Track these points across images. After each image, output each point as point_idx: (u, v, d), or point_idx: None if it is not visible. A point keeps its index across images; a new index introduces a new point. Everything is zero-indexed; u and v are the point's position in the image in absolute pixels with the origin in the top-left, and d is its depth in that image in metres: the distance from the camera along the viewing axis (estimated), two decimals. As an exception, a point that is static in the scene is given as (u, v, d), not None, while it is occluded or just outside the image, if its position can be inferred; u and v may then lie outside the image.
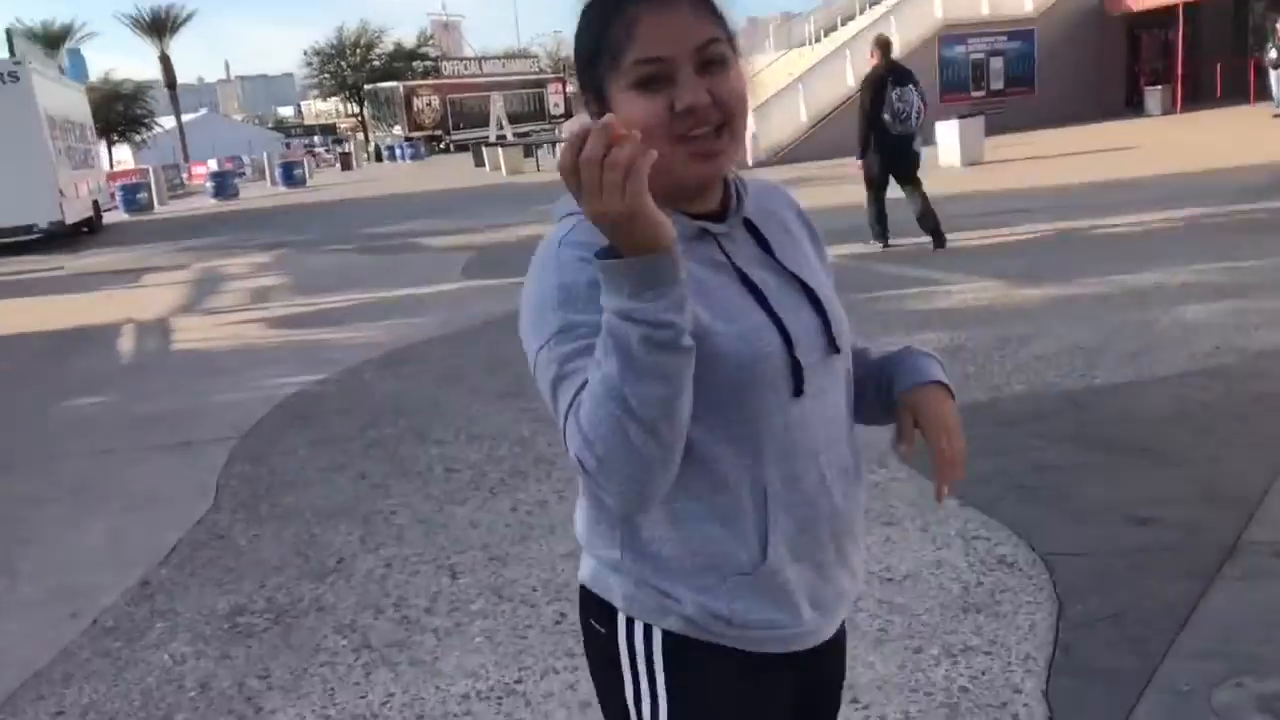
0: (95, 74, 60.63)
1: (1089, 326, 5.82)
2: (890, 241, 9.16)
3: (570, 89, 65.43)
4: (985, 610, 2.97)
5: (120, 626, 3.41)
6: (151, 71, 62.65)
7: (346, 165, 47.09)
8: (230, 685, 2.95)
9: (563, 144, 0.99)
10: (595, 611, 1.27)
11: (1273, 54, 16.48)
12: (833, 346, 1.22)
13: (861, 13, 28.35)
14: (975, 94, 24.06)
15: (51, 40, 52.44)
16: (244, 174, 46.16)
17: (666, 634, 1.21)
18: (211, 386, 6.71)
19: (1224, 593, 2.93)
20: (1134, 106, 23.91)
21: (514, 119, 50.17)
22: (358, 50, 68.71)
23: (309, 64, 70.33)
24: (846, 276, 7.31)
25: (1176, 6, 22.33)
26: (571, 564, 3.50)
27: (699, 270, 1.13)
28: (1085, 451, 4.10)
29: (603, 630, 1.26)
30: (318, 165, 49.92)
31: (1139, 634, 2.79)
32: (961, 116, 16.63)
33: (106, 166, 38.04)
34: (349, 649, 3.09)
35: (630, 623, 1.23)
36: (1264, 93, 18.76)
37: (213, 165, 41.51)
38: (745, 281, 1.18)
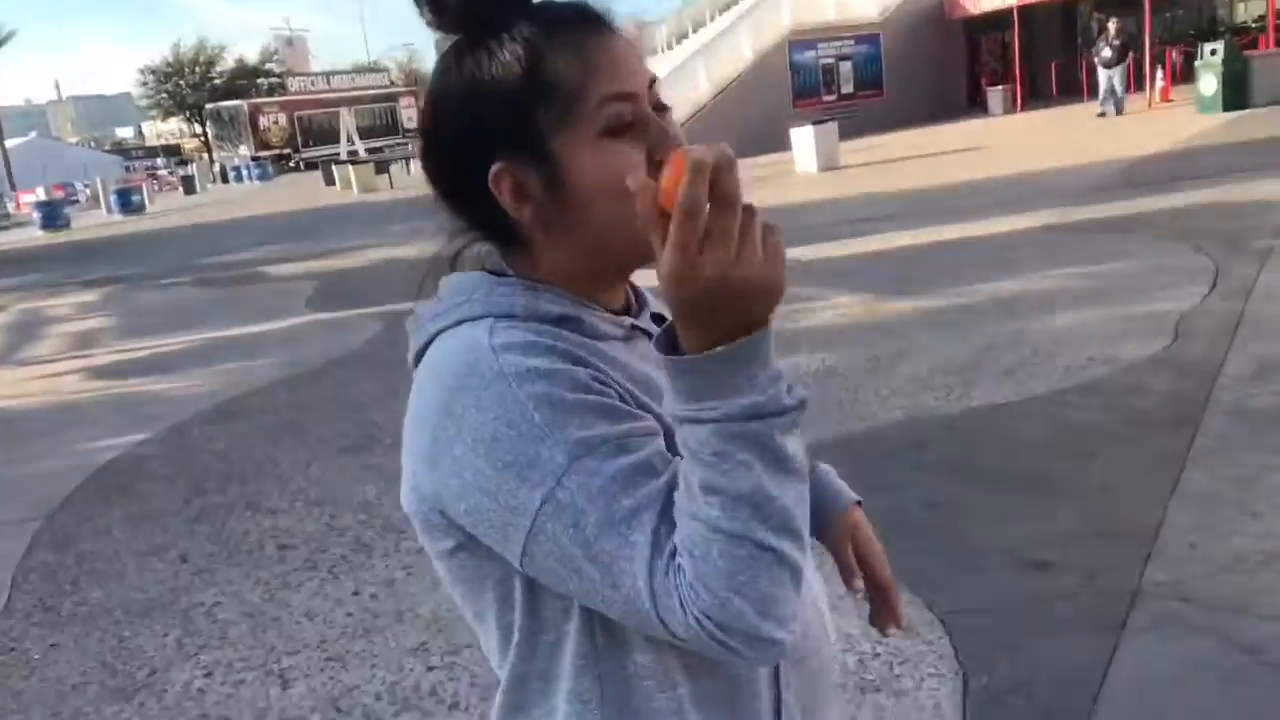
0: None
1: (960, 341, 5.67)
2: None
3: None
4: (885, 687, 2.68)
5: None
6: (-32, 94, 58.67)
7: (190, 189, 44.85)
8: None
9: (684, 172, 0.68)
10: None
11: (1106, 52, 17.06)
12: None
13: (712, 20, 28.50)
14: (827, 98, 24.38)
15: None
16: (77, 201, 43.50)
17: None
18: (16, 455, 5.97)
19: (1133, 650, 2.70)
20: (978, 106, 24.64)
21: (365, 134, 48.77)
22: (197, 68, 66.05)
23: (145, 83, 67.21)
24: None
25: (1011, 10, 23.11)
26: (421, 660, 3.08)
27: (631, 368, 0.87)
28: (971, 484, 3.87)
29: None
30: (159, 189, 47.45)
31: (1051, 705, 2.54)
32: (815, 122, 16.70)
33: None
34: (151, 800, 2.59)
35: None
36: (1096, 90, 19.56)
37: (40, 193, 38.97)
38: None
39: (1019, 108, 23.02)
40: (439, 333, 0.87)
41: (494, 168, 0.84)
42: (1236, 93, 15.89)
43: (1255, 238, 7.12)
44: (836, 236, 9.61)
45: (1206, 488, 3.57)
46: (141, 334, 9.56)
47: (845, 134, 21.79)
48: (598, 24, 0.85)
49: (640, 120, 0.83)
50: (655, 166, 0.79)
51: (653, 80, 0.87)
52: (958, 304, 6.53)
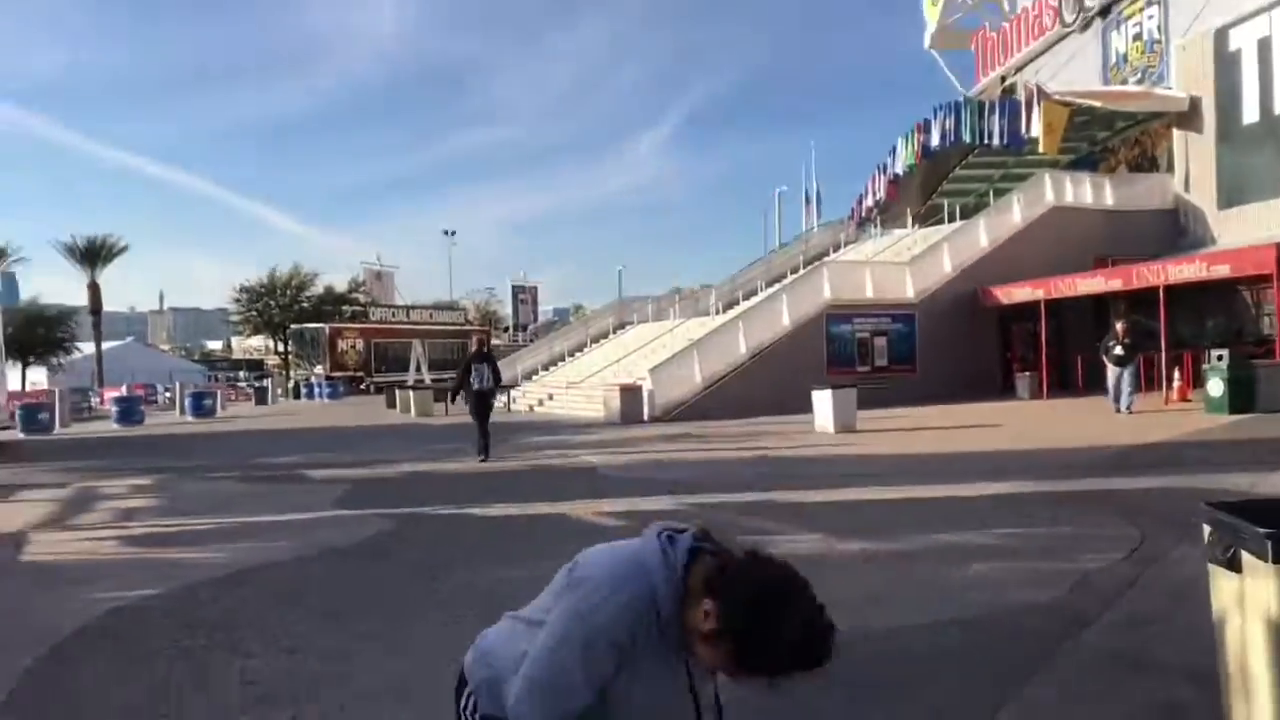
0: (26, 294, 61.25)
1: (882, 577, 6.29)
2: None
3: (495, 341, 67.54)
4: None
5: None
6: (82, 297, 63.20)
7: (261, 399, 47.24)
8: None
9: None
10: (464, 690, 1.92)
11: (1118, 350, 18.02)
12: None
13: (759, 292, 30.44)
14: (860, 368, 25.58)
15: (-18, 262, 53.16)
16: (155, 401, 45.94)
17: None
18: (44, 596, 6.74)
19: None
20: (1009, 390, 25.60)
21: (437, 365, 51.43)
22: (288, 291, 70.43)
23: (238, 300, 71.74)
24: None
25: (1038, 303, 24.48)
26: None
27: (660, 664, 1.81)
28: (828, 688, 4.44)
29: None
30: (234, 398, 49.95)
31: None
32: (835, 388, 17.71)
33: (13, 386, 37.69)
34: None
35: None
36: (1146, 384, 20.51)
37: (122, 390, 41.35)
38: (691, 687, 1.88)
39: (1045, 394, 23.90)
40: (648, 552, 1.85)
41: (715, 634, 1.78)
42: (1243, 397, 16.63)
43: (1194, 517, 7.69)
44: (823, 486, 10.34)
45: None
46: (180, 514, 10.46)
47: (876, 403, 22.82)
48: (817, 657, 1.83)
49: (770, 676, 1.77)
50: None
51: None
52: (893, 549, 7.16)
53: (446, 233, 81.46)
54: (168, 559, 7.97)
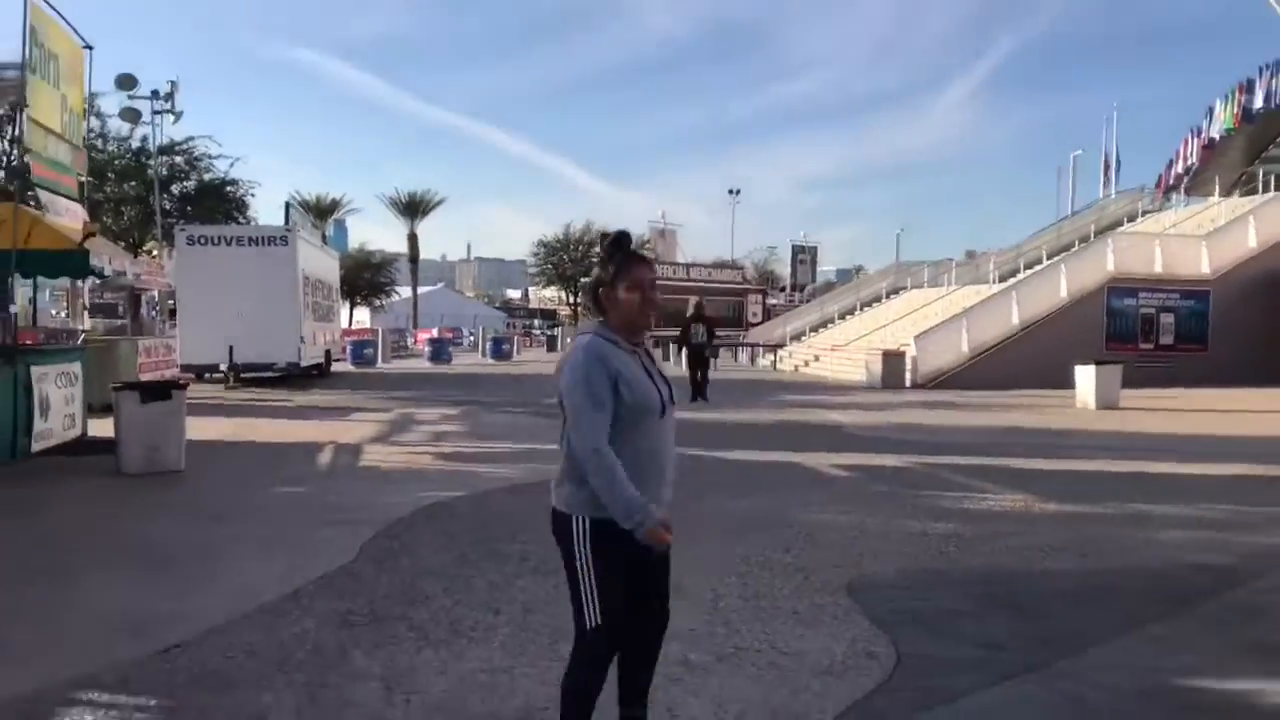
0: (354, 242, 68.86)
1: (1068, 534, 6.95)
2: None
3: (770, 300, 68.74)
4: None
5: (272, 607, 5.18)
6: (401, 245, 70.18)
7: (551, 346, 51.05)
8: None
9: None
10: (561, 518, 3.05)
11: None
12: (671, 405, 3.04)
13: (1043, 261, 29.68)
14: (1144, 345, 24.67)
15: (322, 211, 60.28)
16: (461, 344, 50.77)
17: (592, 520, 2.96)
18: (380, 491, 8.66)
19: None
20: (1313, 377, 23.80)
21: (713, 322, 53.21)
22: (581, 246, 74.63)
23: (536, 254, 76.91)
24: (923, 480, 8.73)
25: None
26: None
27: (631, 364, 2.99)
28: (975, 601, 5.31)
29: (563, 524, 3.06)
30: (529, 344, 54.25)
31: None
32: (1100, 364, 17.50)
33: (344, 324, 43.04)
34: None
35: (573, 518, 3.01)
36: None
37: (434, 333, 46.05)
38: (646, 371, 3.01)
39: (1355, 384, 22.10)
40: (580, 334, 3.03)
41: (599, 293, 3.01)
42: None
43: None
44: (1053, 456, 10.82)
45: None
46: (479, 439, 12.46)
47: (1158, 382, 22.11)
48: (641, 258, 3.02)
49: (643, 288, 2.98)
50: (643, 300, 2.97)
51: (654, 275, 3.05)
52: (1089, 512, 7.73)
53: (731, 191, 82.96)
54: (469, 470, 9.80)
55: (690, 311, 19.64)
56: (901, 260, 43.09)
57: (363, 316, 68.69)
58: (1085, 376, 17.46)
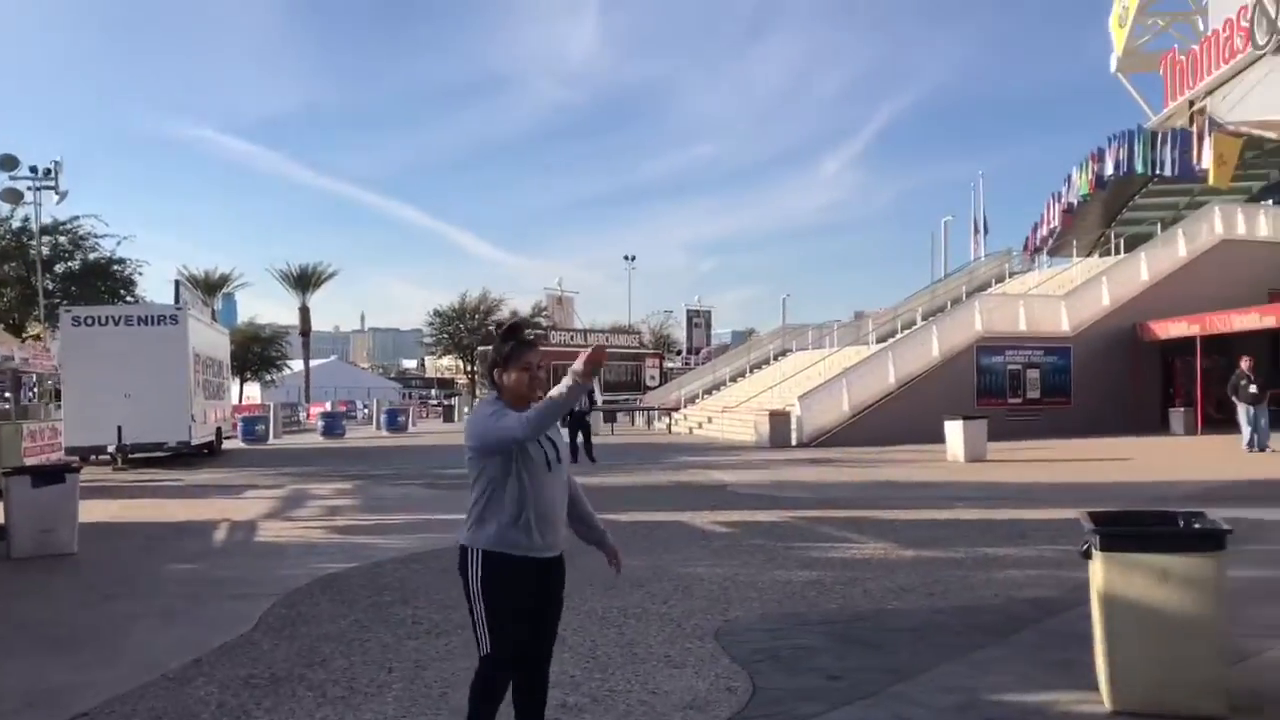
0: (241, 316, 67.80)
1: (922, 572, 7.64)
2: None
3: (667, 364, 69.83)
4: None
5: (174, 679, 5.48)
6: (293, 318, 69.34)
7: (448, 417, 50.94)
8: (237, 700, 4.97)
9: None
10: (461, 552, 3.56)
11: (1251, 388, 18.21)
12: (559, 463, 3.59)
13: (918, 322, 31.22)
14: (1012, 400, 26.13)
15: (211, 287, 59.34)
16: (355, 417, 50.29)
17: (484, 552, 3.48)
18: (272, 568, 8.90)
19: None
20: (1165, 426, 25.53)
21: (611, 387, 53.90)
22: (477, 315, 74.86)
23: (431, 323, 76.81)
24: (794, 533, 9.37)
25: (1194, 338, 24.43)
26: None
27: None
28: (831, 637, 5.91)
29: (462, 557, 3.56)
30: (424, 415, 53.97)
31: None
32: (967, 419, 18.63)
33: (235, 400, 42.32)
34: (311, 691, 5.08)
35: (469, 550, 3.52)
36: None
37: (326, 406, 45.58)
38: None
39: (1200, 430, 23.83)
40: (482, 400, 3.60)
41: (494, 372, 3.57)
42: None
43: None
44: (918, 507, 11.61)
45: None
46: (373, 511, 12.71)
47: (1027, 435, 23.46)
48: (529, 344, 3.58)
49: (530, 369, 3.53)
50: (531, 379, 3.54)
51: (540, 357, 3.61)
52: (942, 556, 8.47)
53: (627, 258, 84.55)
54: (363, 543, 10.09)
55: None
56: (788, 323, 44.63)
57: (253, 391, 67.43)
58: (954, 431, 18.55)
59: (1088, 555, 4.68)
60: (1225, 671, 4.49)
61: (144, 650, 6.08)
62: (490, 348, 3.66)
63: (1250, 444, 18.39)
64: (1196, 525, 4.72)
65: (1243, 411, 18.44)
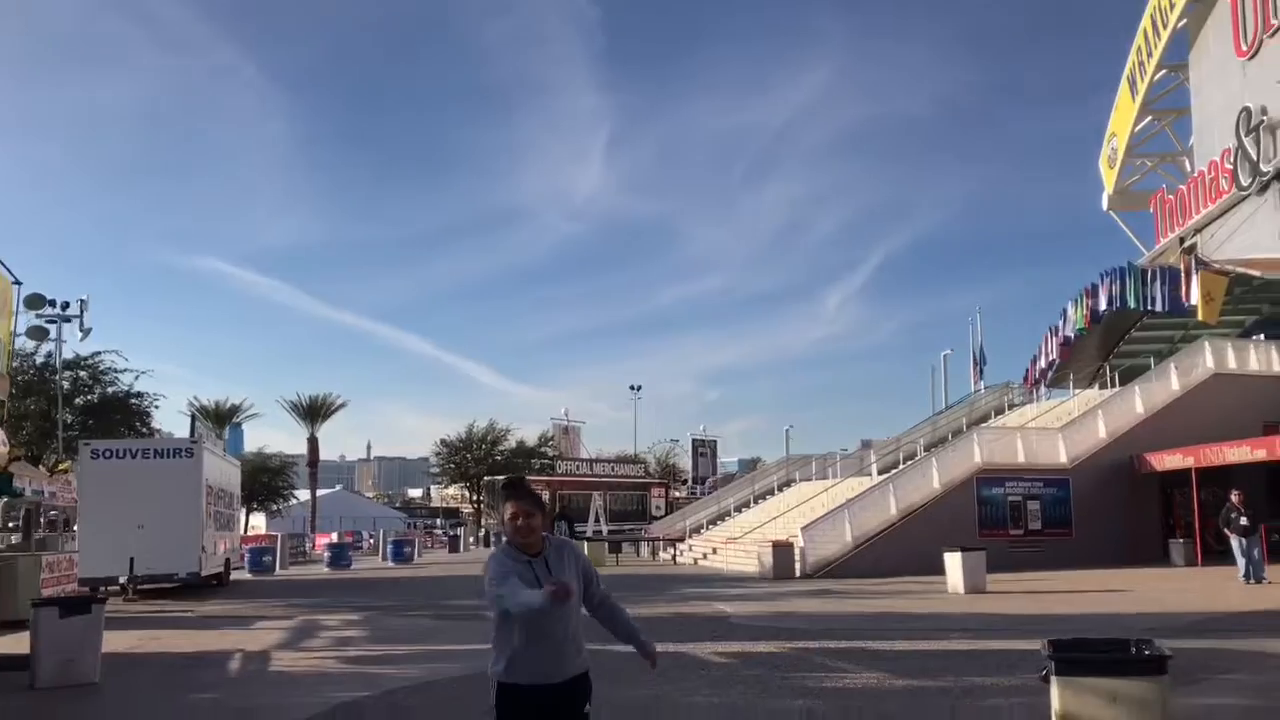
0: (250, 446, 68.30)
1: (901, 704, 8.00)
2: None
3: (673, 493, 69.97)
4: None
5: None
6: (299, 446, 69.79)
7: (454, 547, 50.91)
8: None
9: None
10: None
11: (1243, 521, 18.58)
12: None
13: (917, 455, 31.69)
14: (1014, 531, 26.37)
15: (221, 418, 60.07)
16: (361, 548, 50.33)
17: (500, 682, 4.01)
18: (291, 694, 9.26)
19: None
20: (1166, 557, 25.69)
21: (616, 516, 53.98)
22: (484, 445, 75.37)
23: (439, 453, 77.24)
24: (791, 663, 9.66)
25: (1190, 470, 24.84)
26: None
27: (522, 570, 4.06)
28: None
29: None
30: (430, 545, 53.93)
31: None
32: (965, 550, 18.94)
33: (243, 531, 42.56)
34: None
35: (491, 679, 4.04)
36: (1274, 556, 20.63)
37: (333, 537, 45.73)
38: (535, 574, 4.04)
39: (1200, 562, 24.00)
40: (496, 549, 4.23)
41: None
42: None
43: (1190, 673, 8.98)
44: (913, 638, 11.94)
45: None
46: (383, 642, 13.04)
47: (1030, 566, 23.67)
48: (509, 496, 4.16)
49: (511, 519, 4.11)
50: (513, 526, 4.11)
51: (520, 508, 4.13)
52: (931, 685, 8.82)
53: (633, 388, 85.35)
54: (374, 672, 10.43)
55: (554, 511, 21.93)
56: (792, 453, 45.13)
57: (259, 521, 67.45)
58: (954, 563, 18.84)
59: (1046, 680, 5.14)
60: (1174, 789, 4.89)
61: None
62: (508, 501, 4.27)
63: (1246, 575, 18.63)
64: (1146, 652, 5.17)
65: (1236, 543, 18.75)
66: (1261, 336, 34.17)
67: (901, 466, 30.71)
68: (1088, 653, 5.32)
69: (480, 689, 9.07)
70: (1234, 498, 19.03)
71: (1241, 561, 18.68)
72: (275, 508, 67.81)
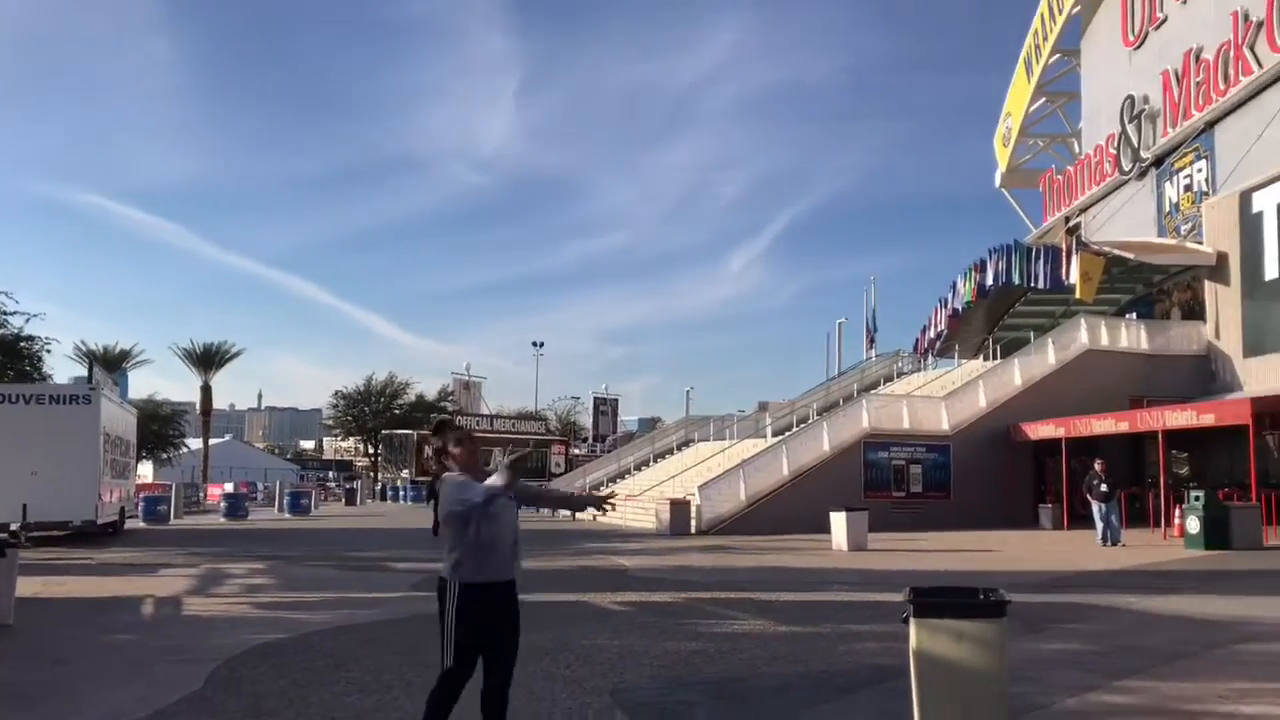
0: (140, 392, 66.49)
1: (787, 648, 8.82)
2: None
3: (574, 451, 70.74)
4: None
5: (147, 722, 6.30)
6: (189, 394, 68.32)
7: (350, 501, 50.85)
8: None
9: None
10: (440, 581, 4.85)
11: (1103, 487, 20.15)
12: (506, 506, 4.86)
13: (810, 419, 32.95)
14: (896, 494, 27.84)
15: (110, 363, 58.35)
16: (256, 498, 49.86)
17: (461, 584, 4.74)
18: (208, 638, 9.65)
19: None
20: (1036, 520, 27.47)
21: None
22: (382, 398, 74.82)
23: (335, 405, 76.40)
24: (686, 611, 10.41)
25: (1060, 440, 26.56)
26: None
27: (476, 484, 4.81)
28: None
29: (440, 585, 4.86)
30: (325, 498, 53.70)
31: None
32: (850, 510, 20.09)
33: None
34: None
35: (448, 581, 4.79)
36: (1158, 518, 22.39)
37: (228, 488, 45.25)
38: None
39: (1066, 526, 25.76)
40: (448, 477, 4.95)
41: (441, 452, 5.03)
42: (1218, 534, 18.55)
43: (1038, 623, 10.04)
44: (796, 590, 12.86)
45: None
46: (291, 590, 13.42)
47: (911, 526, 25.06)
48: (461, 434, 5.08)
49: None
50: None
51: (468, 445, 5.05)
52: (814, 631, 9.69)
53: (535, 344, 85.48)
54: (289, 617, 10.87)
55: (435, 469, 23.97)
56: (692, 414, 46.26)
57: (146, 470, 65.97)
58: (838, 522, 19.96)
59: (906, 621, 5.92)
60: (1006, 717, 5.75)
61: (106, 704, 6.87)
62: (437, 436, 5.20)
63: (1104, 538, 20.20)
64: (990, 598, 6.00)
65: (1096, 509, 20.29)
66: (1134, 315, 36.29)
67: (795, 429, 31.95)
68: (940, 599, 6.12)
69: (396, 632, 9.64)
70: (1097, 466, 20.55)
71: (1100, 526, 20.23)
72: (165, 456, 66.38)
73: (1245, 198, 30.16)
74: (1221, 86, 32.88)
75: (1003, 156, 53.05)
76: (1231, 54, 32.29)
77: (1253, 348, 29.54)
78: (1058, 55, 47.41)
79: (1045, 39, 47.57)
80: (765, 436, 34.00)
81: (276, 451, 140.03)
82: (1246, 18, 31.47)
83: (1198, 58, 34.51)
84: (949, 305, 43.79)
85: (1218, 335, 31.20)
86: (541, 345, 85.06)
